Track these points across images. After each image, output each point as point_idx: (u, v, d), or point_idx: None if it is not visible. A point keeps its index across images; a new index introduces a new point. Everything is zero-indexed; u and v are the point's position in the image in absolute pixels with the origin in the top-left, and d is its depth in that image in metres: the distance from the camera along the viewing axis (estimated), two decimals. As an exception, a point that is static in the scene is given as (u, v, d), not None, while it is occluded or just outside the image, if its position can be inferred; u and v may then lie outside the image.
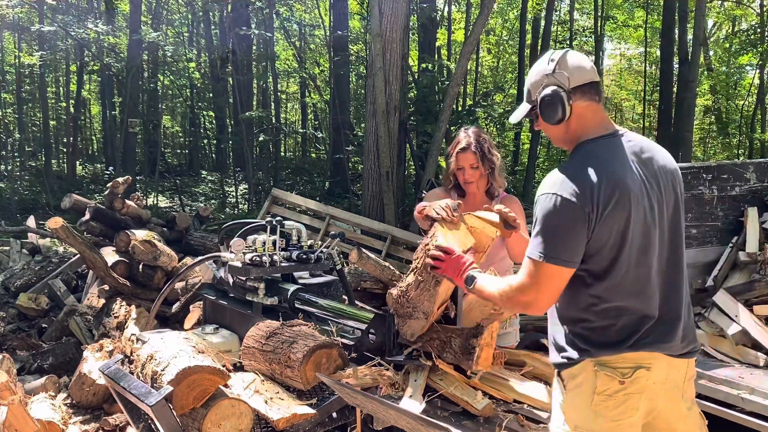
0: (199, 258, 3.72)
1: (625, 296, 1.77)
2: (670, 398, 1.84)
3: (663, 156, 1.88)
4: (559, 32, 21.41)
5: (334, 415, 2.52)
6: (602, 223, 1.71)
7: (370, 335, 2.52)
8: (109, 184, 5.95)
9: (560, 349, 1.85)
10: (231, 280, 3.23)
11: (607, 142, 1.83)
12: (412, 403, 2.16)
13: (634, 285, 1.77)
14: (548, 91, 1.83)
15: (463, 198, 3.02)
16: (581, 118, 1.85)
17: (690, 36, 14.24)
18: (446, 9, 18.30)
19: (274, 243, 3.07)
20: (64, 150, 18.66)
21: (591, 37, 19.96)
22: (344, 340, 2.71)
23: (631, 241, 1.75)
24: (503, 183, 3.02)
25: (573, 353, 1.81)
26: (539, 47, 17.93)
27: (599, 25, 18.57)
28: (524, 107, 1.96)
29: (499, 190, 3.03)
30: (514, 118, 2.01)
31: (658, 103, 16.95)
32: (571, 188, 1.71)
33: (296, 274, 3.24)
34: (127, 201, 6.00)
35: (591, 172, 1.73)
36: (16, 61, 17.28)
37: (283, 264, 3.06)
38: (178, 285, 4.76)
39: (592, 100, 1.85)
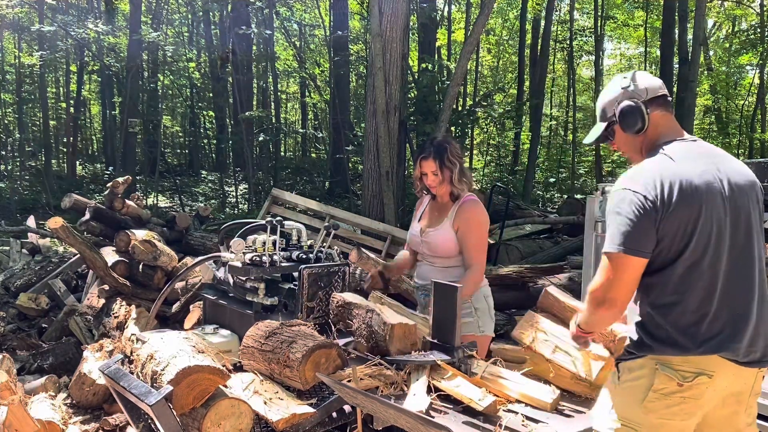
0: (200, 258, 3.72)
1: (690, 293, 1.79)
2: (726, 406, 1.84)
3: (737, 163, 1.96)
4: (559, 32, 21.42)
5: (334, 415, 2.52)
6: (670, 216, 1.77)
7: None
8: (109, 184, 5.95)
9: (630, 342, 1.89)
10: (231, 280, 3.23)
11: (681, 145, 1.93)
12: (416, 402, 2.16)
13: (699, 283, 1.80)
14: (627, 103, 1.98)
15: (435, 200, 3.22)
16: (657, 127, 1.98)
17: (690, 36, 14.25)
18: (446, 9, 18.31)
19: (274, 243, 3.07)
20: (64, 150, 18.68)
21: (591, 37, 19.99)
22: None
23: (699, 238, 1.78)
24: (465, 187, 3.11)
25: (636, 348, 1.85)
26: (539, 47, 17.95)
27: (599, 25, 18.59)
28: (599, 127, 2.09)
29: (462, 194, 3.11)
30: (588, 139, 2.16)
31: (658, 103, 16.91)
32: (641, 183, 1.81)
33: (296, 274, 3.24)
34: (127, 201, 6.00)
35: (661, 168, 1.83)
36: (16, 61, 17.28)
37: (283, 264, 3.07)
38: (178, 285, 4.76)
39: (666, 110, 1.99)
